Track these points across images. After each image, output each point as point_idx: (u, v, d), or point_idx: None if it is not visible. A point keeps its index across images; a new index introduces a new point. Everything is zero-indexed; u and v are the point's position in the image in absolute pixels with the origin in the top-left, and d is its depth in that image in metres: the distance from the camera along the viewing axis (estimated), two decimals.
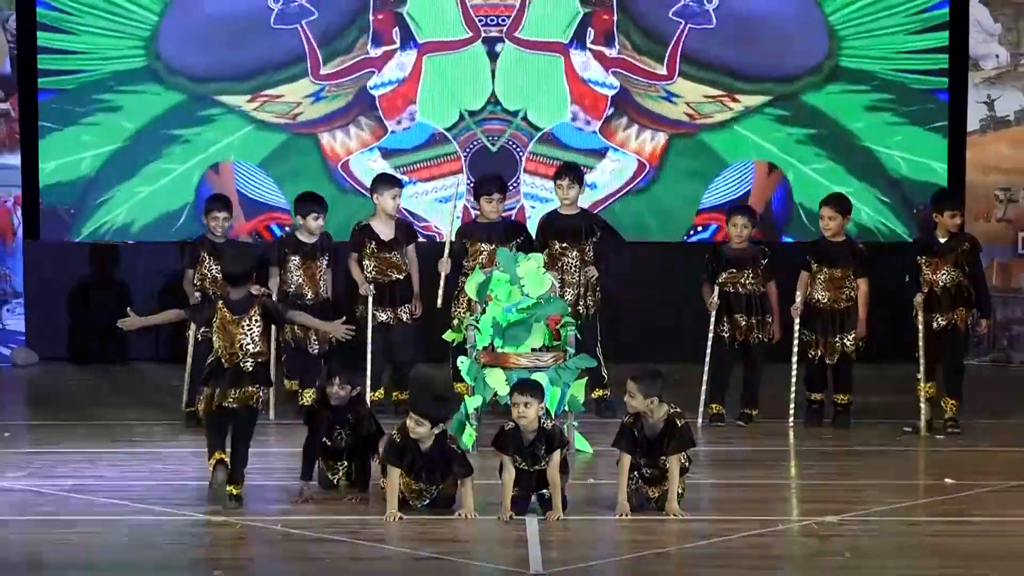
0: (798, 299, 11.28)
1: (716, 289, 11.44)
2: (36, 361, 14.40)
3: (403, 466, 8.67)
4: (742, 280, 11.49)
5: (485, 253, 11.61)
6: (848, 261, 11.32)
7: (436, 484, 8.78)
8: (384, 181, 12.00)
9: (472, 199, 12.75)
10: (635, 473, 8.78)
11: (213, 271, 11.54)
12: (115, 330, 9.54)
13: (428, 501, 8.81)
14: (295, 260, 11.74)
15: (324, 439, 9.23)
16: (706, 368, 11.47)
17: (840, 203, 11.52)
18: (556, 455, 8.70)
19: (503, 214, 12.14)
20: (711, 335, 11.45)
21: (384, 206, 11.81)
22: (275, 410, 11.46)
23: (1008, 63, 14.43)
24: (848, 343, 11.26)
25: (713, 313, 11.42)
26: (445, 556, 7.92)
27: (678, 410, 8.79)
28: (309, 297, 11.69)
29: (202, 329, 11.22)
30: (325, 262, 11.77)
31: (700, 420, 11.33)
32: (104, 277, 14.56)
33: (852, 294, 11.30)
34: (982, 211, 14.46)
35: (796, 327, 11.29)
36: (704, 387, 11.47)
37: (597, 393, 11.62)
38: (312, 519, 8.62)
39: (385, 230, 11.81)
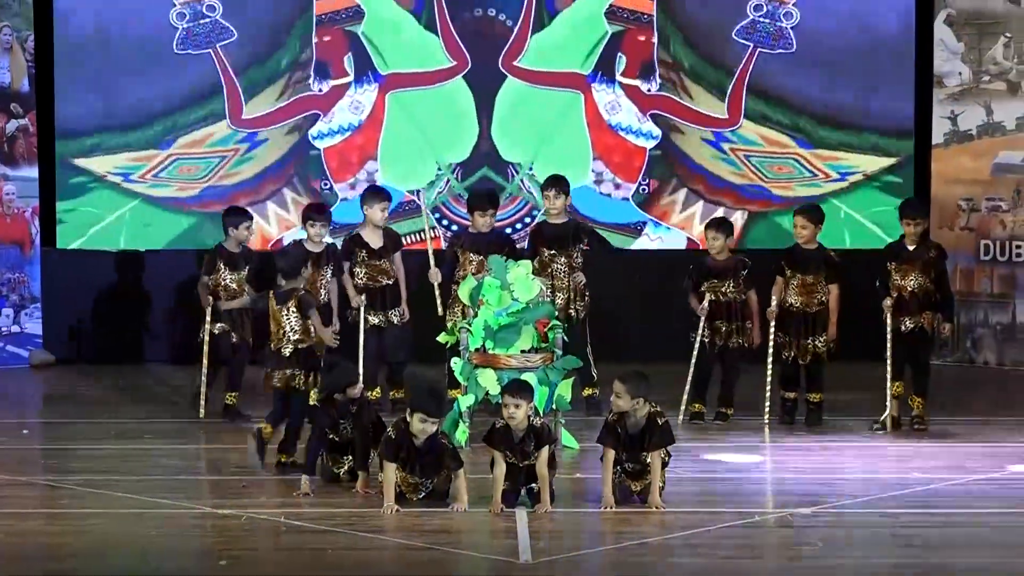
0: (773, 303, 11.30)
1: (706, 296, 11.44)
2: (52, 362, 14.40)
3: (398, 461, 8.70)
4: (723, 289, 11.50)
5: (475, 263, 11.61)
6: (820, 268, 11.33)
7: (431, 478, 8.80)
8: (374, 194, 11.94)
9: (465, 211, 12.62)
10: (618, 468, 8.79)
11: (226, 279, 11.54)
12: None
13: (424, 494, 8.83)
14: None
15: (331, 434, 9.26)
16: (691, 370, 11.49)
17: (813, 213, 11.53)
18: (544, 451, 8.72)
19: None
20: (697, 340, 11.45)
21: (372, 217, 11.79)
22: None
23: (970, 80, 14.45)
24: (820, 345, 11.28)
25: (703, 319, 11.44)
26: (439, 547, 7.92)
27: (659, 409, 8.80)
28: None
29: (218, 324, 11.31)
30: (330, 271, 11.75)
31: (681, 417, 11.35)
32: (118, 282, 14.52)
33: (824, 299, 11.31)
34: (947, 220, 14.49)
35: (771, 330, 11.31)
36: (688, 387, 11.49)
37: (587, 391, 11.67)
38: (313, 511, 8.63)
39: (374, 239, 11.81)
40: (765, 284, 11.49)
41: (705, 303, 11.42)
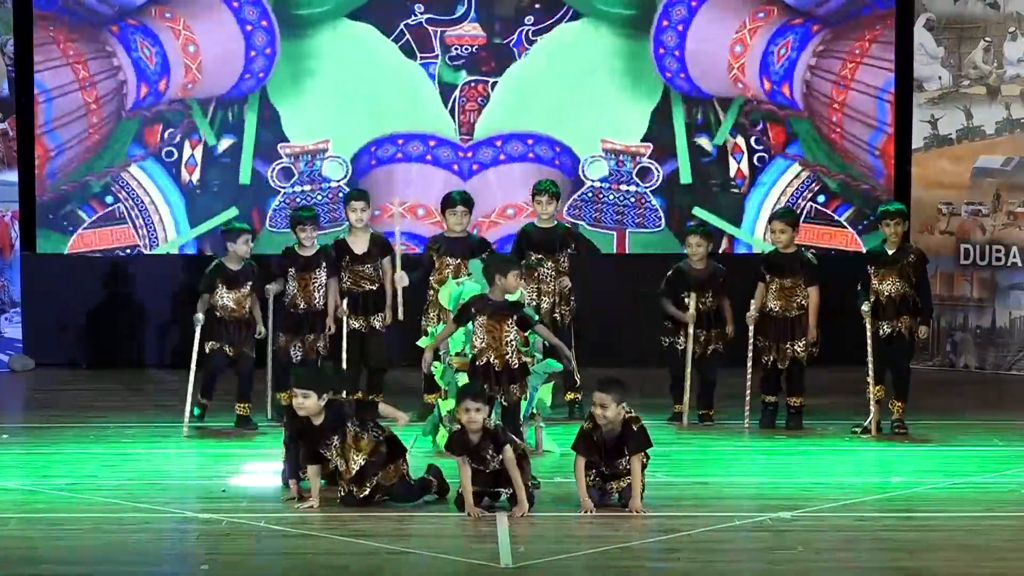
0: (753, 308, 11.31)
1: (691, 304, 11.39)
2: (32, 367, 14.37)
3: (312, 454, 8.79)
4: (703, 299, 11.49)
5: (451, 267, 11.58)
6: (798, 272, 11.33)
7: (371, 466, 8.80)
8: (348, 196, 11.94)
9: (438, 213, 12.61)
10: (593, 471, 8.79)
11: (224, 299, 11.43)
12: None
13: (369, 490, 8.81)
14: (291, 271, 11.71)
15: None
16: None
17: (790, 217, 11.55)
18: (508, 451, 8.67)
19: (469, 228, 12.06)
20: (690, 346, 11.43)
21: (349, 219, 11.79)
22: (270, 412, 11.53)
23: (950, 85, 14.49)
24: (799, 349, 11.29)
25: (691, 325, 11.41)
26: (419, 551, 7.92)
27: (633, 414, 8.80)
28: (302, 307, 11.65)
29: (209, 342, 11.22)
30: (323, 275, 11.70)
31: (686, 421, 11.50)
32: (99, 287, 14.50)
33: (803, 303, 11.32)
34: (927, 224, 14.52)
35: (751, 334, 11.31)
36: (687, 391, 11.54)
37: (569, 396, 11.67)
38: (293, 516, 8.62)
39: (359, 244, 11.78)
40: (745, 289, 11.49)
41: (692, 310, 11.38)
